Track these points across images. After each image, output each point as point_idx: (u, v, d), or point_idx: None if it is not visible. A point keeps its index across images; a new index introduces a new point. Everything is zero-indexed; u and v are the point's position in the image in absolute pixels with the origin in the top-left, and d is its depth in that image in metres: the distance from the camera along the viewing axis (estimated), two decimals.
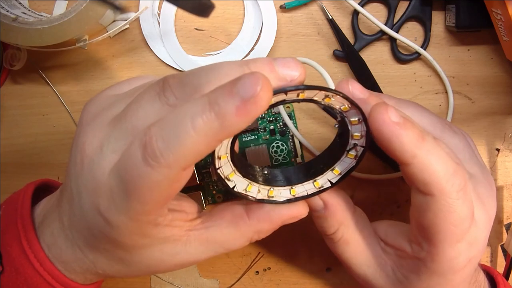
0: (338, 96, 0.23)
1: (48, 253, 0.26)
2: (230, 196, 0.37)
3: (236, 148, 0.25)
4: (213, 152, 0.23)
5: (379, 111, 0.23)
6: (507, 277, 0.36)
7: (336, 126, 0.26)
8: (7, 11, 0.34)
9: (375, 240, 0.29)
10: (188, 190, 0.36)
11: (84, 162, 0.23)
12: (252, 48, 0.37)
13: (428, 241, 0.25)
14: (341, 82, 0.25)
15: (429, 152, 0.23)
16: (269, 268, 0.39)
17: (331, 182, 0.27)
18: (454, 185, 0.23)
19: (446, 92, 0.37)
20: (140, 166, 0.20)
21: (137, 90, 0.24)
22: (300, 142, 0.37)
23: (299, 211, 0.27)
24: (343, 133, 0.26)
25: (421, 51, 0.36)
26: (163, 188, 0.20)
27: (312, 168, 0.28)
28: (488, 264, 0.38)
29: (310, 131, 0.37)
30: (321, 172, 0.27)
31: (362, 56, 0.37)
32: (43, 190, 0.30)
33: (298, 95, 0.22)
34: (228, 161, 0.25)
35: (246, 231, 0.26)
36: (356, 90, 0.24)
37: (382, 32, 0.37)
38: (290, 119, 0.36)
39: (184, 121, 0.19)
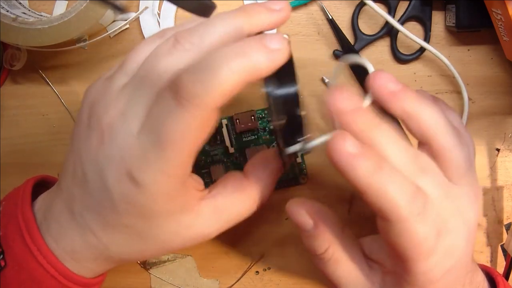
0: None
1: (56, 247, 0.26)
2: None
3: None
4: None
5: (336, 141, 0.23)
6: (507, 277, 0.36)
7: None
8: (7, 11, 0.34)
9: (362, 259, 0.29)
10: None
11: (105, 137, 0.23)
12: None
13: (398, 258, 0.25)
14: (375, 73, 0.25)
15: (385, 181, 0.22)
16: (269, 268, 0.39)
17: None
18: (412, 211, 0.23)
19: (458, 92, 0.37)
20: (173, 110, 0.21)
21: (130, 56, 0.26)
22: None
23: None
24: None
25: (427, 46, 0.35)
26: (195, 131, 0.22)
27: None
28: (488, 264, 0.38)
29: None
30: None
31: (362, 56, 0.37)
32: (41, 186, 0.30)
33: None
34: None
35: (250, 191, 0.28)
36: (390, 82, 0.25)
37: (384, 30, 0.37)
38: None
39: (219, 61, 0.21)
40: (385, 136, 0.25)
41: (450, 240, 0.25)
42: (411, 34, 0.36)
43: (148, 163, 0.22)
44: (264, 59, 0.22)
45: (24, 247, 0.26)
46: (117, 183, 0.23)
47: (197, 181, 0.27)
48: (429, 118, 0.26)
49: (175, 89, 0.21)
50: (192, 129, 0.22)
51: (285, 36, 0.24)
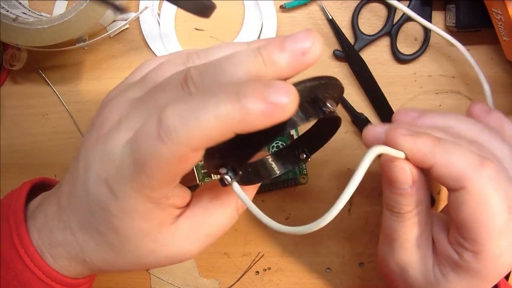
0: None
1: (37, 238, 0.26)
2: None
3: None
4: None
5: (390, 130, 0.26)
6: (507, 277, 0.36)
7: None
8: (7, 11, 0.34)
9: (431, 233, 0.28)
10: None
11: (100, 137, 0.24)
12: None
13: (469, 240, 0.25)
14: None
15: (449, 150, 0.24)
16: (269, 268, 0.39)
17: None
18: (484, 175, 0.24)
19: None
20: (152, 140, 0.21)
21: (151, 76, 0.25)
22: None
23: None
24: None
25: (437, 30, 0.35)
26: (170, 166, 0.21)
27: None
28: None
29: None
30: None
31: (362, 56, 0.37)
32: (41, 188, 0.30)
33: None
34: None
35: (227, 198, 0.26)
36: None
37: (384, 30, 0.37)
38: None
39: (207, 104, 0.20)
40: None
41: None
42: (421, 18, 0.35)
43: (123, 177, 0.22)
44: (258, 111, 0.19)
45: (11, 247, 0.26)
46: (96, 185, 0.23)
47: (181, 196, 0.26)
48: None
49: (159, 120, 0.21)
50: (166, 162, 0.21)
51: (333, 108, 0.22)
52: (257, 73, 0.21)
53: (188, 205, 0.26)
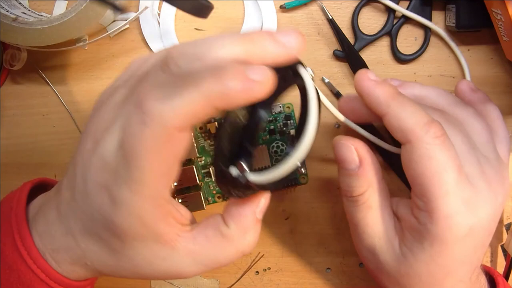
0: None
1: (39, 242, 0.26)
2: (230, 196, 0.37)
3: None
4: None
5: (360, 72, 0.28)
6: (507, 277, 0.36)
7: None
8: (7, 11, 0.34)
9: (391, 212, 0.29)
10: (188, 190, 0.36)
11: (95, 145, 0.23)
12: None
13: (421, 196, 0.26)
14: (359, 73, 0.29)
15: (402, 104, 0.26)
16: (269, 268, 0.39)
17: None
18: (429, 132, 0.25)
19: None
20: (136, 126, 0.21)
21: (136, 71, 0.25)
22: None
23: (265, 201, 0.27)
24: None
25: (434, 27, 0.35)
26: (157, 150, 0.21)
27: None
28: (488, 264, 0.38)
29: None
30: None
31: (362, 56, 0.37)
32: (41, 189, 0.30)
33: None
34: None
35: (231, 238, 0.26)
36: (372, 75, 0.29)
37: (384, 30, 0.37)
38: (290, 119, 0.36)
39: (188, 82, 0.20)
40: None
41: (470, 190, 0.25)
42: (419, 17, 0.36)
43: (119, 179, 0.22)
44: (239, 88, 0.20)
45: (14, 249, 0.26)
46: (95, 193, 0.23)
47: (181, 213, 0.26)
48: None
49: (139, 105, 0.21)
50: (154, 146, 0.21)
51: (308, 69, 0.22)
52: (244, 53, 0.22)
53: (188, 225, 0.26)
